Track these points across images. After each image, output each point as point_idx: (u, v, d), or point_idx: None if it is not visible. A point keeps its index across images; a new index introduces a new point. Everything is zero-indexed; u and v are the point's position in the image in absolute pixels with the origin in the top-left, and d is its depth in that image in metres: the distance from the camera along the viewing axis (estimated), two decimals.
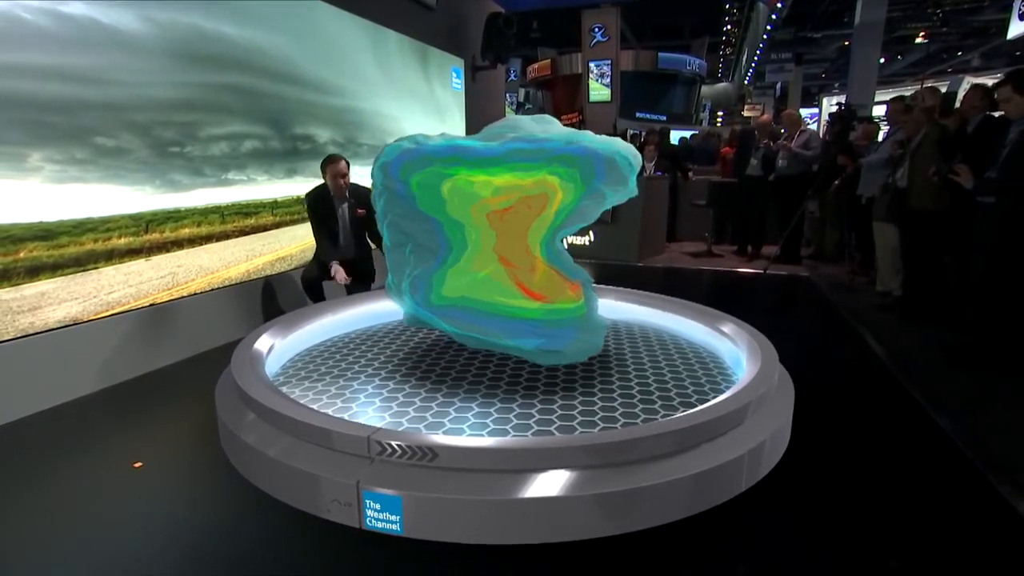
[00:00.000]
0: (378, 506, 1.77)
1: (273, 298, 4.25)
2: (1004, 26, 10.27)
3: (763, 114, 8.14)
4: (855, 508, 2.01)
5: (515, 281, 2.70)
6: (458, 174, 2.57)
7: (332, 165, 3.79)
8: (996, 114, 3.83)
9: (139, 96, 3.29)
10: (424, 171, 2.58)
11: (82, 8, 2.97)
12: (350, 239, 3.97)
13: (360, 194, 3.87)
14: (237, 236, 4.09)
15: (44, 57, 2.82)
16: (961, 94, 5.61)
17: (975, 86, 4.26)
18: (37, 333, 2.84)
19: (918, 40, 17.55)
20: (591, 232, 6.95)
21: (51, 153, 2.88)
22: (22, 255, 2.79)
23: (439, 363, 2.86)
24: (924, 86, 8.11)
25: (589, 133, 2.57)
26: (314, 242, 4.00)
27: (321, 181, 3.91)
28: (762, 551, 1.82)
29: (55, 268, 2.93)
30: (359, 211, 3.85)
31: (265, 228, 4.35)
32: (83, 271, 3.06)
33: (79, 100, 2.99)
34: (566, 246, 7.83)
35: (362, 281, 3.99)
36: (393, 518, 1.76)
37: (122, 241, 3.26)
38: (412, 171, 2.58)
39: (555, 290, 2.68)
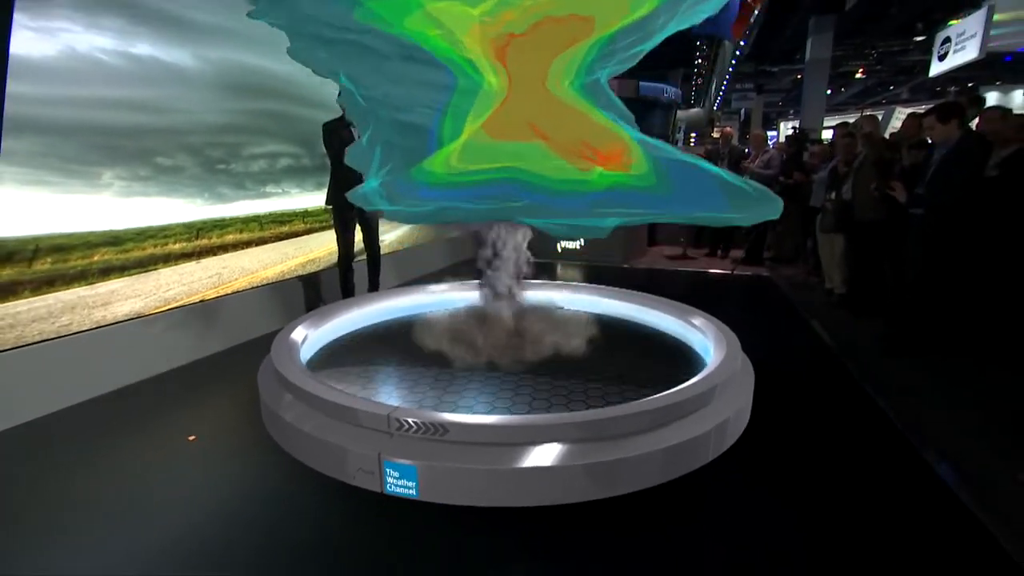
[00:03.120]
0: (397, 474, 1.78)
1: (305, 294, 4.25)
2: (927, 65, 10.43)
3: (726, 128, 8.21)
4: (806, 476, 2.04)
5: (546, 140, 1.67)
6: None
7: None
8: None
9: (193, 122, 3.30)
10: None
11: (148, 49, 2.99)
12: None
13: None
14: (273, 241, 4.09)
15: (115, 91, 2.84)
16: (895, 122, 5.65)
17: (911, 115, 4.27)
18: (108, 325, 2.85)
19: (858, 75, 17.58)
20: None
21: (119, 171, 2.89)
22: (96, 258, 2.81)
23: (453, 351, 2.85)
24: (863, 114, 8.12)
25: None
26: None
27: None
28: (726, 510, 1.84)
29: (122, 269, 2.94)
30: None
31: (297, 234, 4.35)
32: (145, 272, 3.07)
33: (143, 126, 3.00)
34: (560, 250, 7.48)
35: (367, 231, 3.86)
36: (410, 484, 1.77)
37: (177, 246, 3.27)
38: None
39: (601, 140, 1.74)
